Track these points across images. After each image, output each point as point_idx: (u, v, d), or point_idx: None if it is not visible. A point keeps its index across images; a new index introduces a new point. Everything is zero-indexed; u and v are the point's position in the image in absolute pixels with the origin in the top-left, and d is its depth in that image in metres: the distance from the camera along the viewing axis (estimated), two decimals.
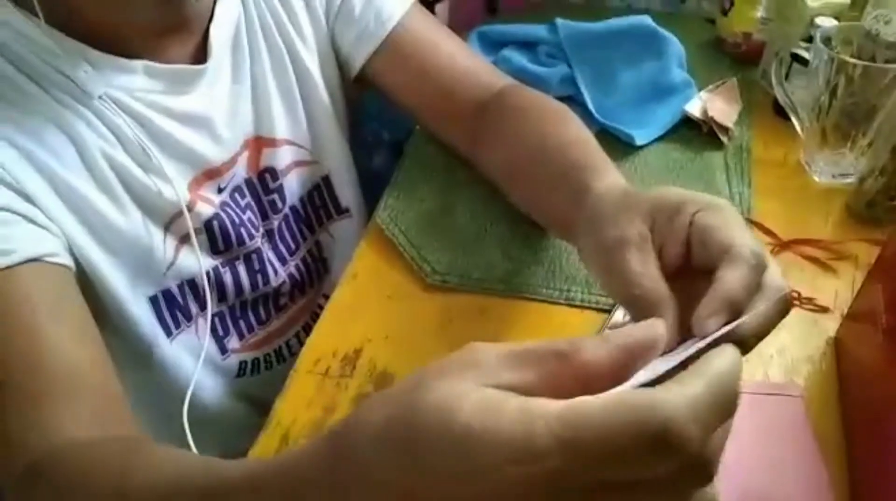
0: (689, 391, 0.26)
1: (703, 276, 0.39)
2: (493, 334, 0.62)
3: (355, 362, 0.60)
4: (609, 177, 0.52)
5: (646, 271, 0.40)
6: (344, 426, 0.31)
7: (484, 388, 0.27)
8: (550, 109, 0.67)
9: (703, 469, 0.27)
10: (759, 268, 0.38)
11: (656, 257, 0.41)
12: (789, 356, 0.60)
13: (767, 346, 0.60)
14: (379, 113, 0.83)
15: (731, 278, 0.36)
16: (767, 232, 0.69)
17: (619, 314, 0.61)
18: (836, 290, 0.64)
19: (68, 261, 0.56)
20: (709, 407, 0.26)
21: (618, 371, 0.28)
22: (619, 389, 0.28)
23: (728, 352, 0.29)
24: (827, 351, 0.61)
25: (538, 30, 0.85)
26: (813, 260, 0.67)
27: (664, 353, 0.38)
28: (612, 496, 0.26)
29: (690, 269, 0.41)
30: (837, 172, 0.75)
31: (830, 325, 0.62)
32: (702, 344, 0.35)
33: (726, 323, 0.36)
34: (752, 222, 0.70)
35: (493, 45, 0.86)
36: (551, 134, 0.62)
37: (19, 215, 0.53)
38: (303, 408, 0.57)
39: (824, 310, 0.63)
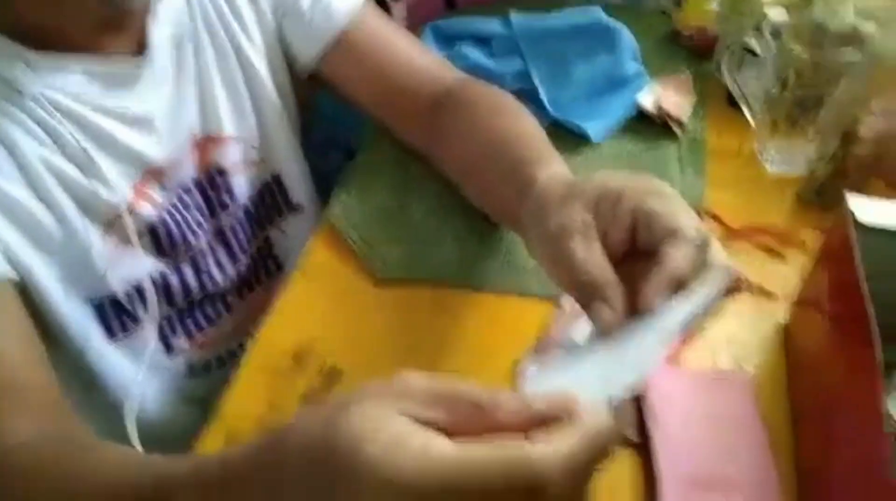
0: (564, 447, 0.29)
1: (648, 258, 0.41)
2: (446, 327, 0.62)
3: (305, 358, 0.59)
4: (552, 167, 0.53)
5: (590, 257, 0.42)
6: (282, 433, 0.34)
7: (399, 418, 0.30)
8: (501, 103, 0.66)
9: None
10: (703, 247, 0.40)
11: (600, 243, 0.42)
12: (738, 342, 0.60)
13: (716, 333, 0.61)
14: (333, 115, 0.83)
15: (676, 256, 0.39)
16: (718, 220, 0.69)
17: (568, 303, 0.61)
18: (786, 277, 0.65)
19: (7, 272, 0.55)
20: (581, 462, 0.29)
21: (526, 430, 0.31)
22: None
23: (601, 411, 0.32)
24: (775, 338, 0.61)
25: (492, 24, 0.84)
26: (763, 248, 0.68)
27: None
28: None
29: (635, 252, 0.42)
30: (789, 162, 0.76)
31: (779, 312, 0.62)
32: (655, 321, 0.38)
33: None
34: (704, 212, 0.70)
35: (447, 40, 0.86)
36: (501, 128, 0.62)
37: None
38: (250, 405, 0.56)
39: (773, 297, 0.63)
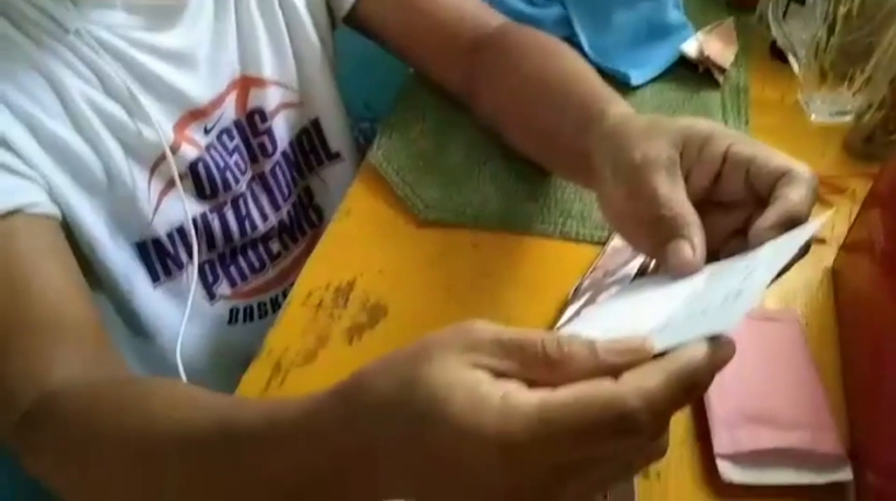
0: (646, 387, 0.28)
1: (723, 210, 0.41)
2: (487, 268, 0.62)
3: (348, 294, 0.60)
4: (622, 105, 0.51)
5: (675, 193, 0.41)
6: (351, 392, 0.33)
7: (474, 372, 0.30)
8: (551, 43, 0.65)
9: (653, 444, 0.31)
10: (816, 191, 0.40)
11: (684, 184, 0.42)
12: (786, 285, 0.60)
13: None
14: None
15: (795, 197, 0.38)
16: None
17: (615, 243, 0.61)
18: (833, 223, 0.64)
19: (52, 209, 0.55)
20: (663, 400, 0.28)
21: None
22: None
23: (697, 350, 0.30)
24: (824, 281, 0.60)
25: None
26: None
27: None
28: (576, 471, 0.30)
29: (707, 203, 0.42)
30: (835, 111, 0.75)
31: (827, 256, 0.61)
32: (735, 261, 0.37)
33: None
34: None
35: None
36: (555, 68, 0.61)
37: (4, 167, 0.52)
38: (296, 337, 0.57)
39: (821, 242, 0.63)
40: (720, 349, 0.30)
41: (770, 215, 0.38)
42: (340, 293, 0.59)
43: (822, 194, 0.67)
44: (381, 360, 0.33)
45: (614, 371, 0.29)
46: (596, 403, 0.28)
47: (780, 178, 0.39)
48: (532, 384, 0.30)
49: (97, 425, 0.44)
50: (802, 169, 0.39)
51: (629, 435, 0.28)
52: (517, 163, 0.68)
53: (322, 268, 0.62)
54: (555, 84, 0.58)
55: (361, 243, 0.64)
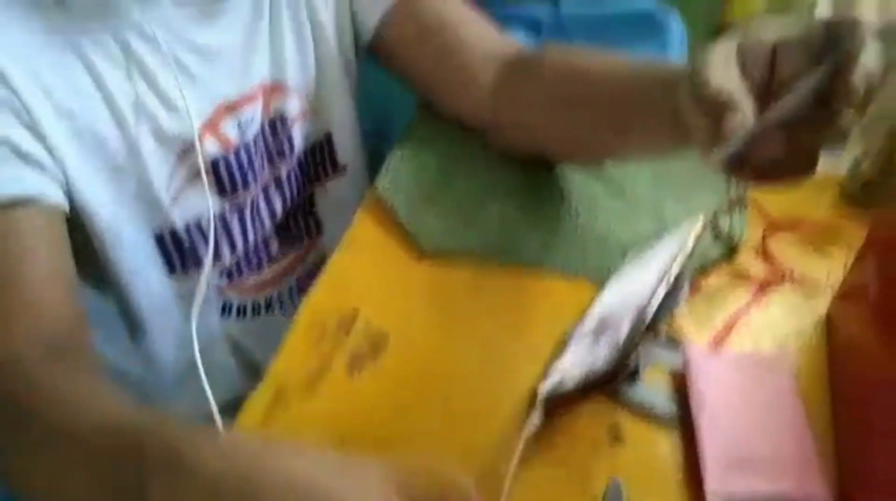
0: None
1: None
2: (489, 304, 0.63)
3: (351, 324, 0.61)
4: None
5: (721, 78, 0.43)
6: (265, 457, 0.36)
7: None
8: (591, 49, 0.66)
9: None
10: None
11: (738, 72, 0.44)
12: (780, 331, 0.61)
13: (759, 321, 0.61)
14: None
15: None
16: (763, 212, 0.69)
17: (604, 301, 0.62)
18: (829, 270, 0.65)
19: (60, 200, 0.56)
20: None
21: None
22: None
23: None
24: (817, 329, 0.61)
25: (541, 10, 0.85)
26: (806, 241, 0.68)
27: None
28: None
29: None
30: (832, 159, 0.76)
31: (821, 305, 0.62)
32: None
33: None
34: (747, 202, 0.70)
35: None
36: (610, 60, 0.63)
37: (19, 152, 0.53)
38: (298, 365, 0.58)
39: (817, 286, 0.64)
40: None
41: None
42: (343, 322, 0.61)
43: (818, 242, 0.68)
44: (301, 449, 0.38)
45: None
46: None
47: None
48: None
49: (27, 408, 0.46)
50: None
51: None
52: (523, 198, 0.69)
53: (326, 296, 0.63)
54: (620, 73, 0.60)
55: (365, 273, 0.65)
